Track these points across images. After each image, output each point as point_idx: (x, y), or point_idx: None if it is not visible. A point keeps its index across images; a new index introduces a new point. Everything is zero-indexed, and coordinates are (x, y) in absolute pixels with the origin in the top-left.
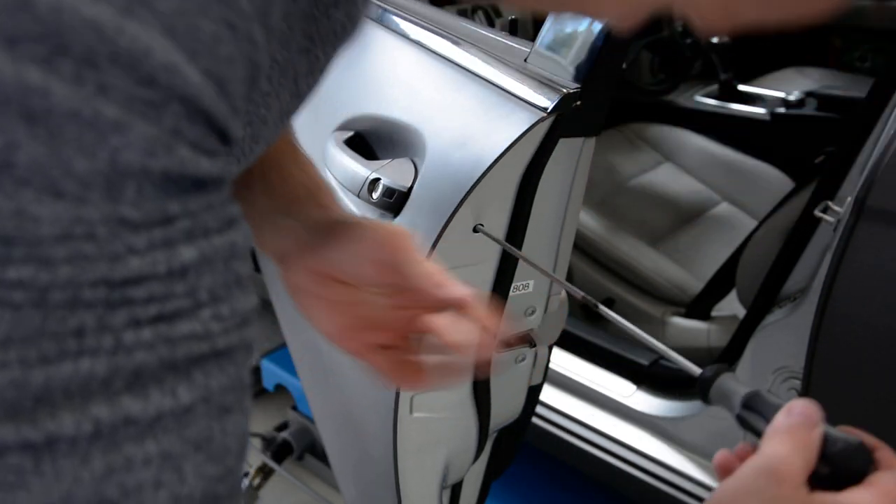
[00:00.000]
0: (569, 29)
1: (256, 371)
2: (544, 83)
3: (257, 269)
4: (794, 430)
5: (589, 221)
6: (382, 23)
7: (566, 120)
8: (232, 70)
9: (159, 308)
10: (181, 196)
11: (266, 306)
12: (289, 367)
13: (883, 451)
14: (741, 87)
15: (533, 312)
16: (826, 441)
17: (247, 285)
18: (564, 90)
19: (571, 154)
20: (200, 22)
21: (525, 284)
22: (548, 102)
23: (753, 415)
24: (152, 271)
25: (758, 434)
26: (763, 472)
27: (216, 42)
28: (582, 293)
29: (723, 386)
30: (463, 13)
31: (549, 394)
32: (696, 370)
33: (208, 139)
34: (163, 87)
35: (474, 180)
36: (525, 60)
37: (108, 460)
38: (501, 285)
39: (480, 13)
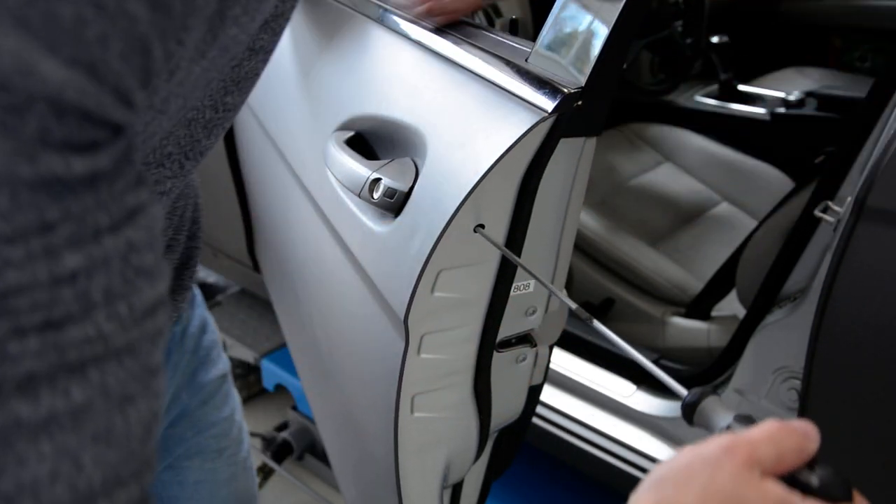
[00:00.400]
0: (569, 29)
1: (256, 371)
2: (545, 83)
3: (256, 269)
4: (782, 427)
5: (589, 221)
6: (383, 23)
7: (567, 120)
8: (106, 50)
9: (45, 315)
10: (60, 200)
11: (266, 306)
12: (289, 367)
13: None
14: (741, 87)
15: (534, 312)
16: (816, 461)
17: (154, 273)
18: (565, 90)
19: (572, 154)
20: (58, 7)
21: (526, 284)
22: (549, 102)
23: None
24: (33, 281)
25: None
26: (726, 445)
27: (80, 25)
28: (576, 305)
29: (706, 409)
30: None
31: (549, 394)
32: (682, 391)
33: (86, 131)
34: (19, 90)
35: (475, 180)
36: (526, 60)
37: (1, 457)
38: (502, 285)
39: (480, 13)
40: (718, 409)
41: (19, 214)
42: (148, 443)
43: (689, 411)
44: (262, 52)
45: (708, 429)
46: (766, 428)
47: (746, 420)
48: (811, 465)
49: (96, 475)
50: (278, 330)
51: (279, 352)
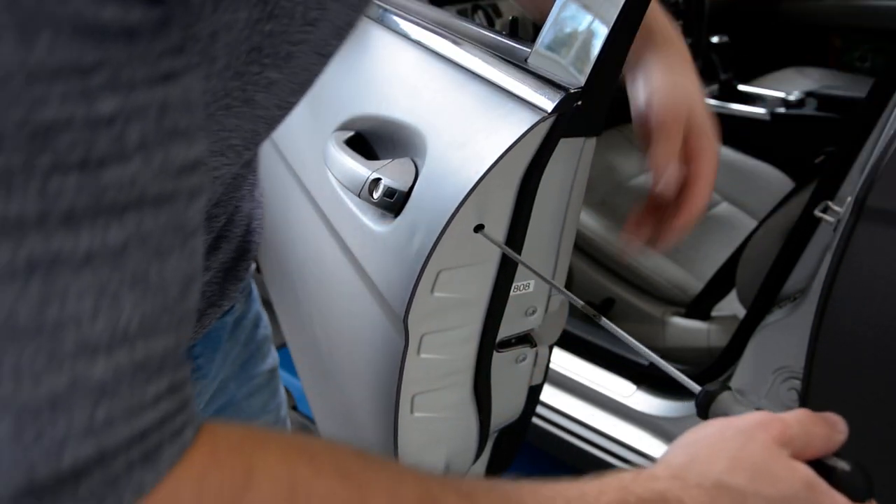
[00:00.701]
0: (569, 29)
1: None
2: (545, 83)
3: (257, 269)
4: (813, 414)
5: (589, 221)
6: (383, 23)
7: (567, 120)
8: None
9: (84, 155)
10: (97, 47)
11: (266, 306)
12: (289, 367)
13: None
14: (741, 87)
15: (534, 312)
16: (840, 455)
17: (190, 136)
18: (565, 90)
19: (572, 154)
20: None
21: (526, 284)
22: (549, 102)
23: None
24: (71, 120)
25: None
26: (760, 420)
27: None
28: (582, 303)
29: (722, 405)
30: (463, 13)
31: (549, 394)
32: (695, 387)
33: None
34: None
35: (475, 180)
36: (526, 60)
37: (45, 290)
38: (502, 285)
39: (480, 13)
40: (734, 405)
41: (57, 52)
42: (183, 302)
43: (705, 407)
44: (327, 57)
45: None
46: (798, 413)
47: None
48: (837, 456)
49: (135, 318)
50: (278, 330)
51: (279, 352)
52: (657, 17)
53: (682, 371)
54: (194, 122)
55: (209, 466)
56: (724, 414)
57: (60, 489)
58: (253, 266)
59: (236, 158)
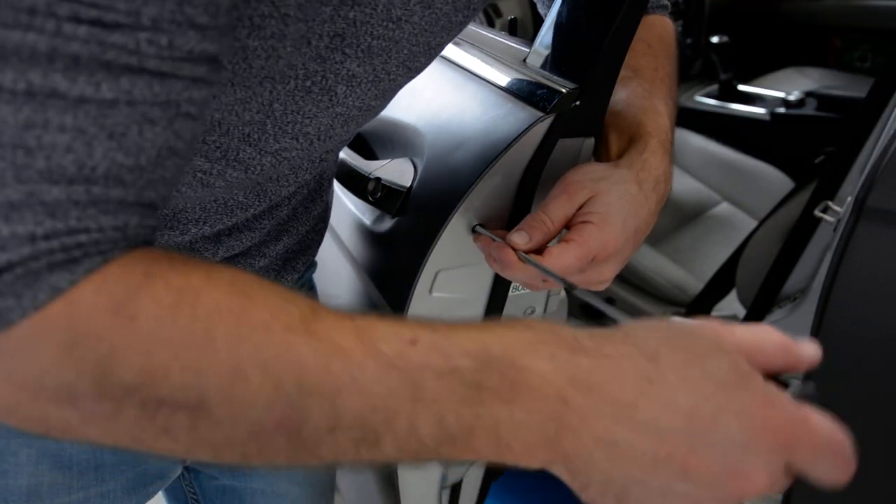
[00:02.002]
0: (567, 29)
1: None
2: (543, 83)
3: None
4: (771, 329)
5: None
6: None
7: (565, 120)
8: None
9: (99, 14)
10: None
11: None
12: None
13: None
14: (741, 87)
15: (532, 312)
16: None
17: (206, 33)
18: (563, 90)
19: (570, 154)
20: None
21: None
22: (547, 103)
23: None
24: None
25: None
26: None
27: None
28: (568, 282)
29: None
30: None
31: None
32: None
33: None
34: None
35: (473, 180)
36: (524, 61)
37: (33, 115)
38: (501, 285)
39: (480, 13)
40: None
41: None
42: (156, 170)
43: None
44: (413, 72)
45: None
46: (754, 327)
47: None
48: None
49: (102, 164)
50: None
51: None
52: (658, 118)
53: None
54: (216, 23)
55: (114, 271)
56: None
57: None
58: (315, 264)
59: (308, 147)
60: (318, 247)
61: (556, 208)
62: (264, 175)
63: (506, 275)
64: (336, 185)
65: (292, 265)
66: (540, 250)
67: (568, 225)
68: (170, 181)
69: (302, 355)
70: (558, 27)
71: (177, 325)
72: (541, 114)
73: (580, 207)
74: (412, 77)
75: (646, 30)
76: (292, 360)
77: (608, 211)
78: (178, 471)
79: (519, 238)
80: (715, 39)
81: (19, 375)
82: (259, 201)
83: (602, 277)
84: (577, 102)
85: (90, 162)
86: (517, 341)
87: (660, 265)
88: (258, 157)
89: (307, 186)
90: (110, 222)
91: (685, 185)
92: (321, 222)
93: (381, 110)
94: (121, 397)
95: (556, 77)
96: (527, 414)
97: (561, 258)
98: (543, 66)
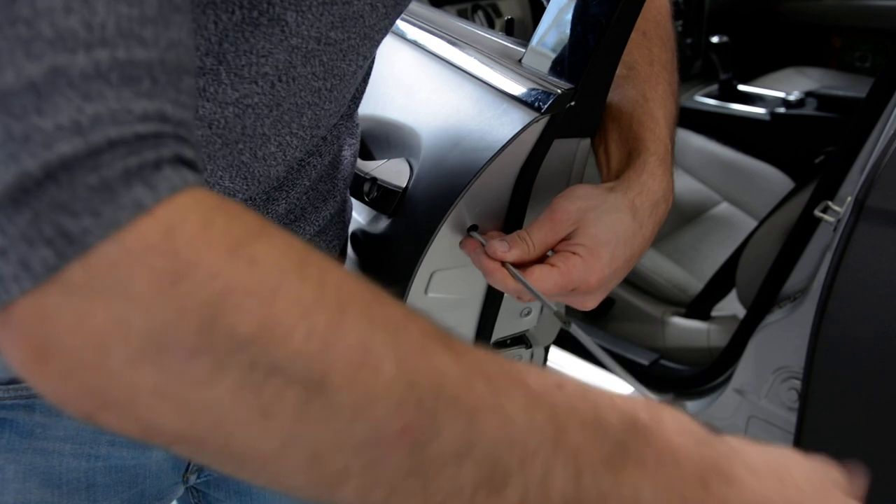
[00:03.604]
0: (563, 29)
1: None
2: (539, 83)
3: None
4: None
5: None
6: None
7: (561, 120)
8: None
9: None
10: None
11: None
12: None
13: None
14: (741, 87)
15: (529, 313)
16: None
17: None
18: (558, 90)
19: (566, 155)
20: None
21: None
22: (542, 103)
23: None
24: None
25: None
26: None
27: None
28: (555, 308)
29: None
30: (463, 13)
31: None
32: (652, 397)
33: None
34: None
35: (468, 180)
36: (520, 61)
37: None
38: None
39: (480, 13)
40: None
41: None
42: (167, 26)
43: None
44: None
45: None
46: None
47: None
48: None
49: (110, 20)
50: None
51: None
52: (655, 128)
53: (683, 371)
54: None
55: (218, 206)
56: None
57: (55, 188)
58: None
59: (271, 92)
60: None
61: (539, 234)
62: (233, 132)
63: (488, 280)
64: None
65: None
66: (525, 265)
67: (554, 249)
68: (185, 46)
69: (442, 363)
70: (554, 27)
71: (305, 285)
72: (536, 114)
73: (566, 237)
74: (378, 4)
75: (641, 14)
76: (431, 364)
77: (595, 244)
78: (179, 492)
79: (499, 245)
80: (715, 39)
81: (97, 319)
82: (246, 185)
83: (584, 306)
84: (573, 103)
85: (96, 19)
86: (665, 415)
87: (660, 265)
88: (219, 110)
89: (307, 177)
90: (155, 109)
91: (685, 185)
92: (334, 227)
93: (356, 56)
94: (226, 353)
95: (551, 77)
96: (667, 492)
97: (541, 281)
98: (539, 67)
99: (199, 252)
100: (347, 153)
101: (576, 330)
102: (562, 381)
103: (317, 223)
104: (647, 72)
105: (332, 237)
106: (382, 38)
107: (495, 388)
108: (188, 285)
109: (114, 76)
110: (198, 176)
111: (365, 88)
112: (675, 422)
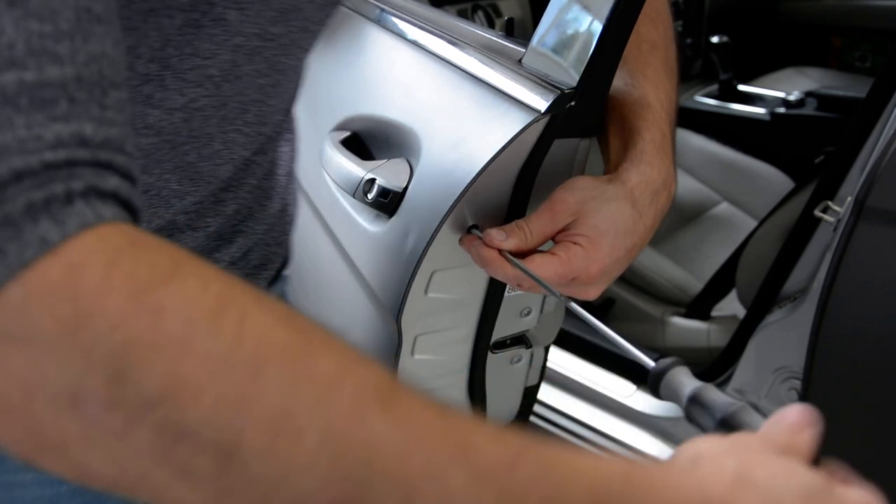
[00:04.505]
0: (564, 28)
1: None
2: (539, 84)
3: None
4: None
5: None
6: (380, 23)
7: (561, 120)
8: None
9: None
10: None
11: None
12: None
13: None
14: (741, 87)
15: (529, 313)
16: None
17: None
18: (559, 90)
19: (567, 155)
20: None
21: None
22: (542, 103)
23: (700, 410)
24: None
25: (704, 430)
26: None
27: None
28: (552, 290)
29: (673, 380)
30: (463, 13)
31: (549, 394)
32: (649, 363)
33: None
34: None
35: (468, 181)
36: (520, 61)
37: None
38: (496, 286)
39: (480, 13)
40: (684, 378)
41: None
42: (86, 38)
43: (656, 382)
44: None
45: (674, 401)
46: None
47: (703, 392)
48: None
49: (19, 39)
50: None
51: None
52: (650, 113)
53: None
54: None
55: (128, 247)
56: (675, 390)
57: None
58: (284, 278)
59: (217, 93)
60: (281, 255)
61: (537, 224)
62: (180, 136)
63: (487, 271)
64: (333, 185)
65: (254, 281)
66: (525, 255)
67: (554, 239)
68: (110, 58)
69: (376, 430)
70: (554, 27)
71: (218, 339)
72: (537, 114)
73: (566, 227)
74: None
75: None
76: (363, 432)
77: (596, 234)
78: None
79: (496, 234)
80: (715, 39)
81: (17, 364)
82: (195, 186)
83: (586, 296)
84: (573, 103)
85: (3, 38)
86: (646, 483)
87: (660, 265)
88: (167, 116)
89: (253, 175)
90: (69, 133)
91: (685, 185)
92: (281, 224)
93: (297, 50)
94: (137, 409)
95: (552, 77)
96: None
97: (542, 269)
98: (539, 67)
99: (99, 298)
100: (286, 148)
101: (575, 307)
102: (522, 449)
103: (265, 221)
104: (634, 55)
105: (279, 233)
106: (321, 30)
107: (437, 460)
108: (90, 334)
109: (23, 100)
110: (116, 209)
111: (302, 84)
112: (656, 492)
